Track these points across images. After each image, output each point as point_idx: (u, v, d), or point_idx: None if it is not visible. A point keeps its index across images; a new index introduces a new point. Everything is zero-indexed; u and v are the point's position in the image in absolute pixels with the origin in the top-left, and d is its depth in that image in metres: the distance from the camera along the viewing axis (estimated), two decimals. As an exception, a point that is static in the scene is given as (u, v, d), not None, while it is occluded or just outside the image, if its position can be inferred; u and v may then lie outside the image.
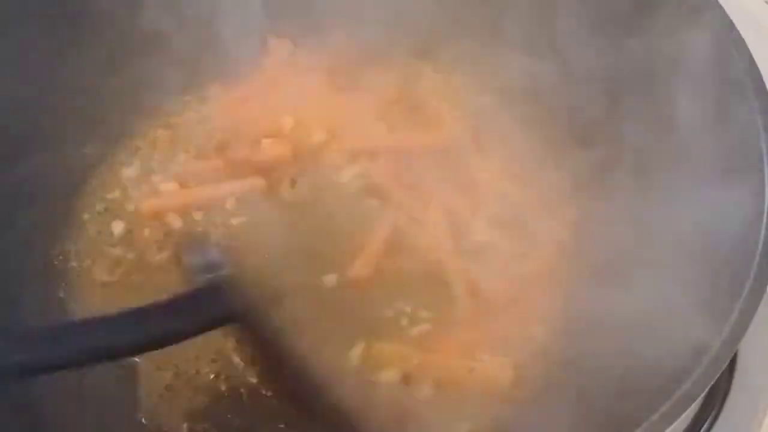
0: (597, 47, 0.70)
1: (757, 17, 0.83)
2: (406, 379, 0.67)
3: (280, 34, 0.86)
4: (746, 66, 0.62)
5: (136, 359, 0.68)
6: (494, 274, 0.71)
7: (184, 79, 0.81)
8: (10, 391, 0.64)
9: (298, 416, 0.64)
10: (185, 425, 0.66)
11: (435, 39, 0.84)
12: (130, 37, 0.77)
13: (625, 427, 0.50)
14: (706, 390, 0.51)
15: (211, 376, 0.68)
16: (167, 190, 0.78)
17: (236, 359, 0.68)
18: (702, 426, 0.65)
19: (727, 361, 0.51)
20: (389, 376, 0.67)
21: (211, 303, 0.58)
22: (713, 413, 0.66)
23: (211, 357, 0.68)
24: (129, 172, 0.79)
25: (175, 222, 0.76)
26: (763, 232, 0.56)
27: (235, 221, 0.76)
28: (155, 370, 0.68)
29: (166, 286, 0.70)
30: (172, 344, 0.56)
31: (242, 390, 0.67)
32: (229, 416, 0.66)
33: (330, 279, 0.71)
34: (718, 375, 0.51)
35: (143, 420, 0.66)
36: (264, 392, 0.67)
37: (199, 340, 0.68)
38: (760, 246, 0.55)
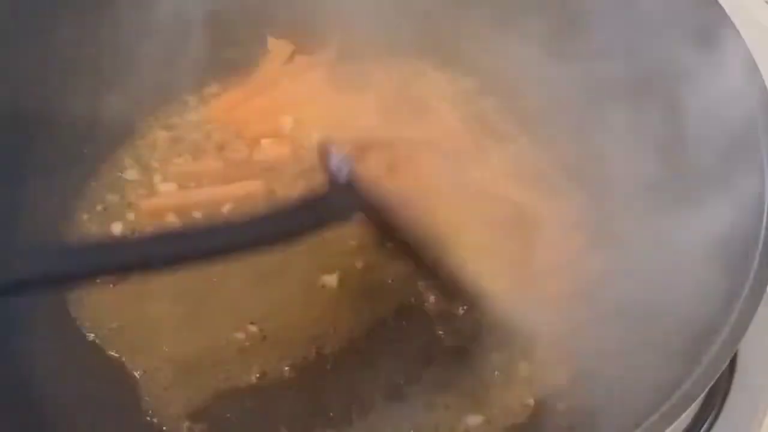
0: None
1: (757, 17, 0.83)
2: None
3: (280, 34, 0.86)
4: (746, 66, 0.62)
5: (137, 359, 0.69)
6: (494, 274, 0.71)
7: (184, 80, 0.81)
8: (9, 390, 0.64)
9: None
10: (185, 425, 0.66)
11: (435, 39, 0.84)
12: (130, 36, 0.77)
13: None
14: (706, 390, 0.51)
15: (212, 376, 0.68)
16: (167, 191, 0.78)
17: (359, 263, 0.73)
18: (702, 426, 0.65)
19: (727, 361, 0.51)
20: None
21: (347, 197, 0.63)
22: (713, 413, 0.66)
23: (212, 357, 0.68)
24: (129, 172, 0.79)
25: (175, 222, 0.76)
26: (763, 232, 0.56)
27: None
28: (155, 370, 0.68)
29: (166, 285, 0.70)
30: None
31: (242, 390, 0.67)
32: (228, 416, 0.66)
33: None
34: (718, 375, 0.51)
35: (143, 420, 0.66)
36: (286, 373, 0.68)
37: (199, 339, 0.69)
38: (760, 246, 0.55)
